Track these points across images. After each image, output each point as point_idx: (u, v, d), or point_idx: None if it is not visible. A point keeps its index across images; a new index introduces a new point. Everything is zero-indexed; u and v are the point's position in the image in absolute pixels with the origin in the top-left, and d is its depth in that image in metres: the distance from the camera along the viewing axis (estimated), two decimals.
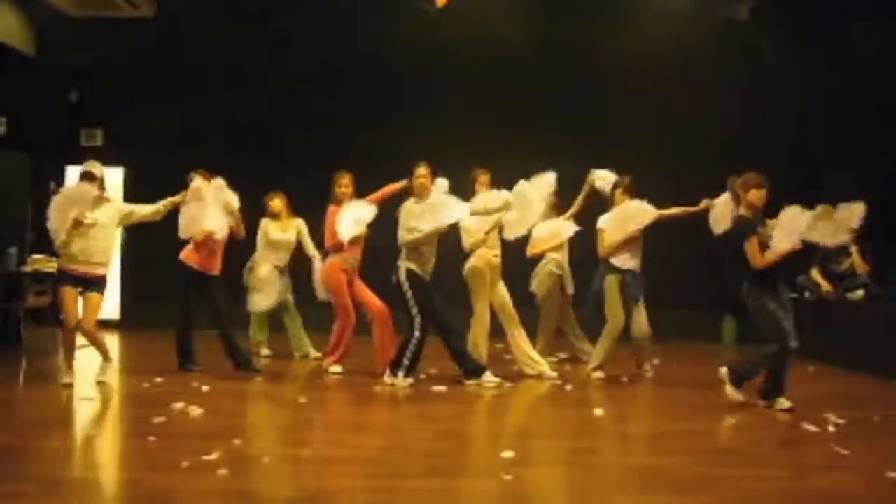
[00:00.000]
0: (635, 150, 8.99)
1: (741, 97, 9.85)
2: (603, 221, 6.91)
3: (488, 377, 6.40)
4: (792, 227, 5.62)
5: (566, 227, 7.30)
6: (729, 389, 5.68)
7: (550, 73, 10.09)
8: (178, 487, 3.65)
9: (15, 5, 9.66)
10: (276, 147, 9.77)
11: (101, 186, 6.20)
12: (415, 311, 6.27)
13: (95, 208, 6.06)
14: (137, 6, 9.70)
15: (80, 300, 6.08)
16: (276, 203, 7.65)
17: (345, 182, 6.90)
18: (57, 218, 5.95)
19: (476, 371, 6.43)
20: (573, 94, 9.98)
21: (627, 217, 6.77)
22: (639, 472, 4.12)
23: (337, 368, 6.90)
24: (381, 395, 6.04)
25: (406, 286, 6.27)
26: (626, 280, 6.80)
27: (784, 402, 5.54)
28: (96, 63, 10.19)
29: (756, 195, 5.72)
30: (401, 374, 6.29)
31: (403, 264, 6.31)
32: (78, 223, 5.90)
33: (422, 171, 6.45)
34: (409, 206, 6.35)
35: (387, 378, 6.36)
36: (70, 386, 6.04)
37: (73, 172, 10.47)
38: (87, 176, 6.11)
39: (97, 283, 6.09)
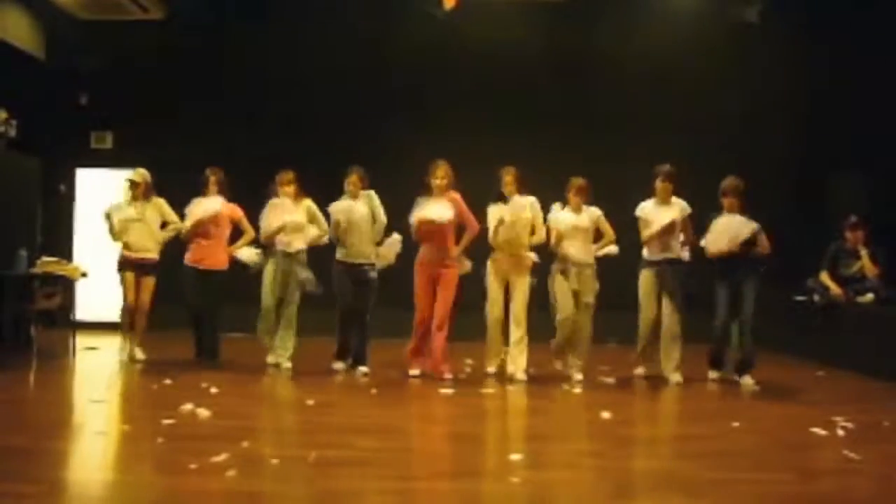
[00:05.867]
0: (643, 152, 8.98)
1: (748, 99, 9.83)
2: (642, 210, 6.97)
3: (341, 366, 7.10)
4: (724, 233, 6.66)
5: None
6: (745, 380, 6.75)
7: (557, 75, 10.09)
8: (186, 489, 3.66)
9: (25, 9, 9.71)
10: (284, 149, 9.77)
11: (147, 189, 7.45)
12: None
13: (143, 207, 7.42)
14: (147, 9, 9.74)
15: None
16: (288, 191, 7.18)
17: (439, 174, 6.78)
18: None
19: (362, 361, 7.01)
20: (580, 95, 9.97)
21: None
22: (646, 476, 4.11)
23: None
24: (388, 397, 6.04)
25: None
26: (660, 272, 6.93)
27: (711, 373, 6.93)
28: (106, 66, 10.24)
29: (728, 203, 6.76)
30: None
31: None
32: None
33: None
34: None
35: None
36: (130, 361, 7.29)
37: (83, 175, 10.55)
38: (130, 183, 7.45)
39: (151, 268, 7.43)
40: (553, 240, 6.80)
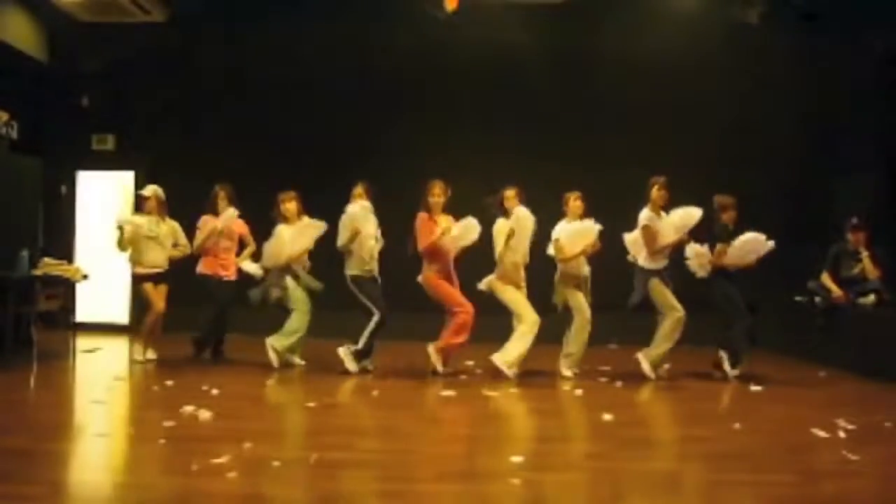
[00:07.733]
0: (644, 153, 8.98)
1: (748, 100, 9.81)
2: (649, 220, 6.94)
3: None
4: (747, 248, 6.87)
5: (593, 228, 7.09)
6: (731, 372, 6.97)
7: (558, 77, 10.07)
8: (187, 491, 3.66)
9: (27, 11, 9.72)
10: (287, 151, 9.78)
11: (160, 205, 7.57)
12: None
13: (157, 224, 7.55)
14: (148, 11, 9.74)
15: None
16: (291, 207, 7.39)
17: (437, 191, 6.91)
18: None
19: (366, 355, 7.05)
20: (581, 97, 9.96)
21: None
22: (649, 477, 4.11)
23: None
24: (390, 399, 6.04)
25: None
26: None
27: (731, 371, 6.98)
28: (107, 68, 10.24)
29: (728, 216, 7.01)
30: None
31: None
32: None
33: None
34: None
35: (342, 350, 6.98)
36: (141, 363, 7.41)
37: (84, 177, 10.56)
38: (140, 198, 7.70)
39: (163, 277, 7.60)
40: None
